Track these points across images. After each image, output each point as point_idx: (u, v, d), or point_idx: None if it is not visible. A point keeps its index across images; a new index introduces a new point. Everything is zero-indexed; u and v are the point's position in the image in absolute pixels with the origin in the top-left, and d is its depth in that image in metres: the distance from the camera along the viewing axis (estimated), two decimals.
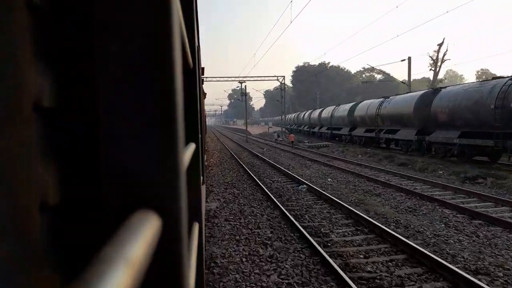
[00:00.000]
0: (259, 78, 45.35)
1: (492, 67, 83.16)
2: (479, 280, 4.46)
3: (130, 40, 0.41)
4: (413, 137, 18.35)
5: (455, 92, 15.80)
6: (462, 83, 18.18)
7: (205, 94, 11.27)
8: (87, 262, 0.27)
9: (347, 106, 29.27)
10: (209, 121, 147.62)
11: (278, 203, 8.74)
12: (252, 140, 38.50)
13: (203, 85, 8.09)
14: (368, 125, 24.50)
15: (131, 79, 0.41)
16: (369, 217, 7.41)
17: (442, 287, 4.50)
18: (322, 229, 6.94)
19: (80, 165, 0.45)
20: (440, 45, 41.55)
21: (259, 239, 6.16)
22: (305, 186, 11.07)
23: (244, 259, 5.41)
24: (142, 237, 0.33)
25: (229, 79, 44.92)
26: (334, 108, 32.36)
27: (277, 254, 5.60)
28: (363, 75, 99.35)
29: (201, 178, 1.78)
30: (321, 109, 37.93)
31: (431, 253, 5.25)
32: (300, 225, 7.06)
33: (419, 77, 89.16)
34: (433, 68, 43.05)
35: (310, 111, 43.63)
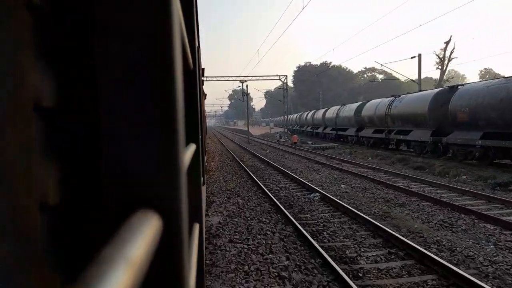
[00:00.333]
0: (260, 78, 44.18)
1: (494, 66, 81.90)
2: None
3: (130, 40, 0.41)
4: (428, 138, 17.13)
5: (476, 89, 14.58)
6: (483, 80, 17.01)
7: (205, 95, 10.77)
8: (87, 262, 0.27)
9: (354, 105, 28.04)
10: (209, 122, 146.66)
11: (290, 216, 7.54)
12: (253, 141, 37.25)
13: (203, 86, 7.80)
14: (376, 126, 23.29)
15: (131, 79, 0.41)
16: (402, 235, 6.20)
17: None
18: (347, 252, 5.73)
19: (80, 165, 0.45)
20: (447, 43, 40.32)
21: (273, 269, 4.92)
22: (317, 194, 9.86)
23: None
24: (142, 237, 0.33)
25: (230, 78, 43.79)
26: (339, 108, 31.12)
27: None
28: (365, 75, 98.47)
29: (202, 178, 1.77)
30: (325, 109, 36.67)
31: None
32: (320, 245, 5.88)
33: (422, 76, 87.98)
34: (439, 67, 41.77)
35: (313, 111, 42.38)
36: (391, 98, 21.82)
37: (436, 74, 30.32)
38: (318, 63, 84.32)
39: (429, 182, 11.58)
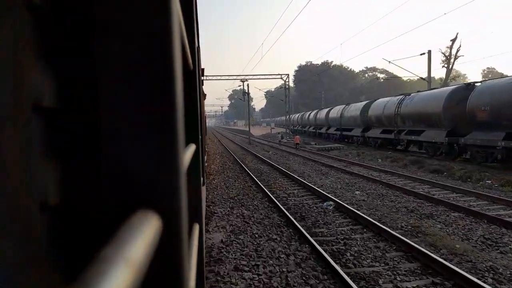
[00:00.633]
0: (262, 76, 43.03)
1: (497, 65, 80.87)
2: None
3: (130, 40, 0.41)
4: (443, 139, 16.01)
5: (499, 86, 13.45)
6: (505, 76, 15.96)
7: (205, 95, 10.40)
8: (87, 262, 0.27)
9: (359, 105, 26.91)
10: (209, 122, 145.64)
11: (304, 232, 6.45)
12: (255, 142, 36.10)
13: (203, 86, 7.57)
14: (385, 126, 22.18)
15: (131, 79, 0.41)
16: (445, 258, 5.10)
17: None
18: (380, 281, 4.63)
19: (80, 165, 0.45)
20: (454, 40, 39.16)
21: None
22: (331, 203, 8.76)
23: None
24: (142, 238, 0.33)
25: (231, 77, 42.65)
26: (344, 108, 29.98)
27: None
28: (366, 75, 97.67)
29: (201, 178, 1.77)
30: (328, 108, 35.49)
31: None
32: (345, 271, 4.80)
33: (423, 76, 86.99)
34: (445, 65, 40.66)
35: (315, 111, 41.20)
36: (401, 97, 20.71)
37: (438, 74, 29.37)
38: (319, 63, 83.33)
39: (452, 187, 10.49)
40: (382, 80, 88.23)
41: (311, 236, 6.30)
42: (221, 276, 4.76)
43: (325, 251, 5.64)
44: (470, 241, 6.11)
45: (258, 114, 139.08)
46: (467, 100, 14.67)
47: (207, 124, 24.05)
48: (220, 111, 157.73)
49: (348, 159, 18.63)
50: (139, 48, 0.41)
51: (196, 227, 1.27)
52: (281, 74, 42.91)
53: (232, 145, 33.00)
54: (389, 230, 6.38)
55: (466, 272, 4.59)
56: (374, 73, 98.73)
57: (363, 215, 7.41)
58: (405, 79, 76.18)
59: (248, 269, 5.00)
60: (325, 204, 8.82)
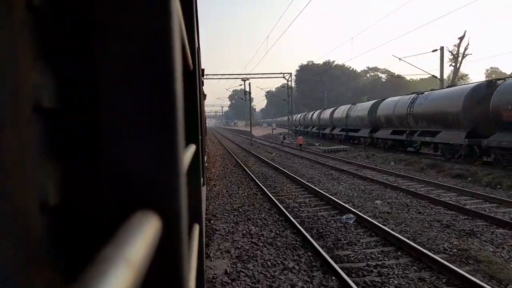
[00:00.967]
0: (264, 75, 41.79)
1: (500, 66, 79.74)
2: None
3: (130, 40, 0.41)
4: (463, 141, 14.81)
5: None
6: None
7: (205, 96, 9.95)
8: (87, 263, 0.27)
9: (367, 104, 25.72)
10: (209, 123, 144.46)
11: (327, 257, 5.25)
12: (256, 143, 34.89)
13: (203, 87, 7.10)
14: (395, 126, 20.98)
15: (131, 79, 0.41)
16: None
17: None
18: None
19: (80, 165, 0.45)
20: (461, 38, 37.92)
21: None
22: (351, 216, 7.55)
23: None
24: (142, 238, 0.33)
25: (232, 76, 41.35)
26: (349, 107, 28.76)
27: None
28: (368, 75, 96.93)
29: (201, 179, 1.77)
30: (333, 108, 34.22)
31: None
32: None
33: (425, 76, 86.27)
34: (453, 64, 39.39)
35: (319, 111, 39.96)
36: (413, 95, 19.51)
37: (444, 72, 28.08)
38: (321, 62, 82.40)
39: (483, 196, 9.35)
40: (384, 80, 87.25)
41: (336, 263, 5.12)
42: None
43: (357, 284, 4.44)
44: None
45: (259, 115, 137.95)
46: (490, 99, 13.49)
47: (207, 124, 22.85)
48: (220, 111, 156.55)
49: (357, 162, 17.47)
50: (139, 48, 0.41)
51: (196, 228, 1.27)
52: (283, 73, 41.73)
53: (233, 146, 31.78)
54: (431, 255, 5.18)
55: None
56: (376, 73, 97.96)
57: (393, 232, 6.20)
58: (408, 78, 74.89)
59: None
60: (344, 217, 7.61)
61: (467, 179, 12.10)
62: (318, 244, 5.89)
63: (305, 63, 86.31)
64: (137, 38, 0.41)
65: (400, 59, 26.91)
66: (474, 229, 6.71)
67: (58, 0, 0.41)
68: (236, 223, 7.25)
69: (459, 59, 38.56)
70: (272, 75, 41.93)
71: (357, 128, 27.02)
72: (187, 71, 1.33)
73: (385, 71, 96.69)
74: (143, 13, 0.41)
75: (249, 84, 33.98)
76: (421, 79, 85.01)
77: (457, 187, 10.58)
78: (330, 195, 9.68)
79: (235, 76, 40.94)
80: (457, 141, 15.24)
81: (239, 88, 78.03)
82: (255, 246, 5.88)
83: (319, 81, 75.51)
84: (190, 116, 1.40)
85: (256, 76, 40.82)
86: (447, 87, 18.98)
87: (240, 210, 8.41)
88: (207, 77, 40.32)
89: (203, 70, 9.48)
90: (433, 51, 24.47)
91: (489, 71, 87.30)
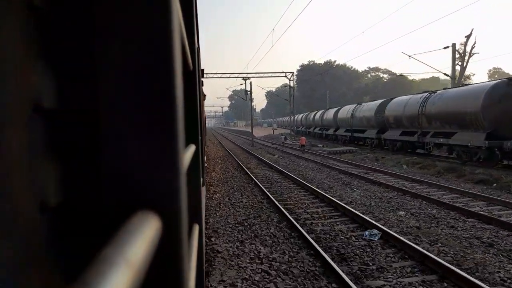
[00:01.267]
0: (265, 75, 40.65)
1: (503, 66, 78.76)
2: None
3: (130, 40, 0.41)
4: (482, 143, 13.73)
5: None
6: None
7: (204, 96, 9.74)
8: (87, 263, 0.27)
9: (373, 104, 24.59)
10: (209, 123, 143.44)
11: None
12: (258, 143, 33.80)
13: (203, 87, 7.09)
14: (405, 127, 19.88)
15: (131, 79, 0.41)
16: None
17: None
18: None
19: (80, 165, 0.45)
20: (468, 37, 36.85)
21: None
22: (376, 232, 6.46)
23: None
24: (142, 238, 0.33)
25: (232, 75, 40.20)
26: (355, 107, 27.63)
27: None
28: (369, 75, 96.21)
29: (201, 179, 1.77)
30: (337, 108, 33.05)
31: None
32: None
33: (427, 76, 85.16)
34: (459, 63, 38.28)
35: (322, 111, 38.78)
36: (425, 94, 18.40)
37: (442, 74, 27.17)
38: (322, 62, 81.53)
39: None
40: (386, 80, 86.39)
41: None
42: None
43: None
44: None
45: (259, 115, 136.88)
46: None
47: (206, 124, 21.79)
48: (220, 111, 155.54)
49: (366, 165, 16.36)
50: (139, 48, 0.41)
51: (196, 228, 1.27)
52: (285, 72, 40.60)
53: (234, 147, 30.71)
54: (482, 285, 4.09)
55: None
56: (377, 73, 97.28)
57: (432, 255, 5.11)
58: (410, 78, 73.97)
59: None
60: (367, 233, 6.52)
61: (492, 185, 11.00)
62: (343, 270, 4.82)
63: (306, 62, 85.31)
64: (137, 38, 0.41)
65: (410, 56, 25.89)
66: None
67: (58, 0, 0.41)
68: (241, 242, 6.09)
69: (466, 58, 37.46)
70: (274, 74, 40.80)
71: (363, 128, 25.91)
72: (187, 71, 1.33)
73: (386, 71, 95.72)
74: (143, 13, 0.41)
75: (250, 83, 32.85)
76: (422, 79, 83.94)
77: (484, 194, 9.50)
78: (345, 204, 8.60)
79: (236, 75, 39.79)
80: (475, 143, 14.13)
81: (239, 88, 77.05)
82: (267, 277, 4.75)
83: (320, 81, 74.57)
84: (190, 116, 1.41)
85: (257, 75, 39.70)
86: (463, 85, 17.89)
87: (245, 223, 7.25)
88: (207, 76, 39.26)
89: (202, 70, 9.34)
90: (445, 48, 23.46)
91: (491, 71, 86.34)
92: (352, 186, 11.39)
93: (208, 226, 6.79)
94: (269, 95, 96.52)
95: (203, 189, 2.92)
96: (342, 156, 21.33)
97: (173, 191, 0.43)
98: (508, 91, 13.30)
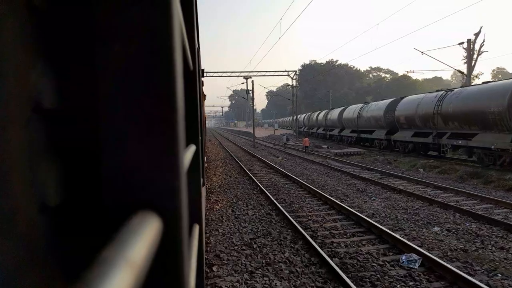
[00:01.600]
0: (267, 73, 39.39)
1: (506, 66, 77.58)
2: None
3: (130, 41, 0.40)
4: (508, 145, 12.54)
5: None
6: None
7: (204, 96, 9.24)
8: (88, 263, 0.27)
9: (382, 103, 23.37)
10: (209, 123, 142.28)
11: None
12: (260, 144, 32.60)
13: (203, 87, 6.40)
14: (418, 127, 18.69)
15: (131, 79, 0.41)
16: None
17: None
18: None
19: (80, 166, 0.44)
20: (477, 34, 35.55)
21: None
22: (415, 257, 5.25)
23: None
24: (143, 238, 0.33)
25: (233, 74, 38.93)
26: (361, 107, 26.43)
27: None
28: (370, 75, 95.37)
29: (202, 179, 1.74)
30: (342, 108, 31.84)
31: None
32: None
33: (429, 76, 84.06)
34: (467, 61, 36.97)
35: (325, 111, 37.56)
36: (441, 93, 17.20)
37: (447, 75, 26.07)
38: (324, 62, 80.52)
39: None
40: (388, 79, 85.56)
41: None
42: None
43: None
44: None
45: (259, 115, 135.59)
46: None
47: (207, 125, 20.60)
48: (220, 111, 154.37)
49: (378, 168, 15.20)
50: (140, 48, 0.40)
51: (196, 228, 1.25)
52: (288, 71, 39.38)
53: (235, 148, 29.50)
54: None
55: None
56: (379, 73, 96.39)
57: None
58: (413, 78, 73.01)
59: None
60: (404, 258, 5.31)
61: None
62: None
63: (307, 62, 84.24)
64: (138, 38, 0.40)
65: (422, 52, 24.69)
66: None
67: (58, 0, 0.41)
68: (251, 274, 4.83)
69: (474, 56, 36.15)
70: (276, 73, 39.52)
71: (370, 129, 24.70)
72: (187, 71, 1.30)
73: (388, 71, 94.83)
74: (144, 13, 0.40)
75: (252, 81, 31.58)
76: (424, 79, 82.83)
77: None
78: (367, 216, 7.42)
79: (237, 74, 38.46)
80: (500, 145, 12.92)
81: (239, 88, 76.04)
82: None
83: (322, 80, 73.51)
84: (190, 116, 1.38)
85: (259, 74, 38.43)
86: (483, 83, 16.67)
87: (254, 245, 5.98)
88: (208, 75, 38.07)
89: (203, 70, 9.10)
90: (460, 44, 22.25)
91: (495, 71, 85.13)
92: (369, 194, 10.20)
93: (208, 249, 5.59)
94: (270, 95, 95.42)
95: (203, 189, 2.88)
96: (350, 158, 20.17)
97: (173, 191, 0.43)
98: None
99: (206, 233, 6.01)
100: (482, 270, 4.91)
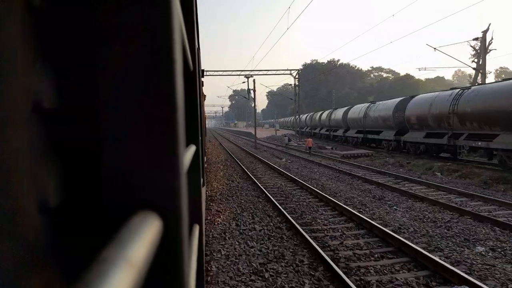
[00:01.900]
0: (268, 72, 38.35)
1: (509, 66, 76.45)
2: None
3: (130, 41, 0.40)
4: None
5: None
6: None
7: (204, 96, 9.07)
8: (88, 263, 0.27)
9: (391, 102, 22.31)
10: (209, 123, 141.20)
11: None
12: (261, 145, 31.54)
13: (203, 87, 6.19)
14: (431, 128, 17.63)
15: (131, 80, 0.40)
16: None
17: None
18: None
19: (80, 166, 0.43)
20: (485, 32, 34.51)
21: None
22: None
23: None
24: (143, 238, 0.33)
25: (234, 73, 37.90)
26: (368, 106, 25.37)
27: None
28: (372, 75, 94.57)
29: (202, 179, 1.72)
30: (347, 108, 30.77)
31: None
32: None
33: (430, 76, 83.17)
34: (475, 60, 35.96)
35: (329, 111, 36.50)
36: (457, 91, 16.15)
37: (448, 74, 25.13)
38: (325, 61, 79.60)
39: None
40: (391, 79, 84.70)
41: None
42: None
43: None
44: None
45: (260, 115, 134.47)
46: None
47: (207, 125, 19.56)
48: (220, 111, 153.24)
49: (391, 172, 14.15)
50: (139, 48, 0.40)
51: (196, 228, 1.25)
52: (290, 70, 38.36)
53: (236, 149, 28.42)
54: None
55: None
56: (380, 73, 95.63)
57: None
58: (416, 78, 72.17)
59: None
60: None
61: None
62: None
63: (308, 61, 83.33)
64: (138, 38, 0.40)
65: (435, 48, 23.68)
66: None
67: (58, 0, 0.40)
68: None
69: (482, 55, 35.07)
70: (278, 72, 38.46)
71: (378, 129, 23.62)
72: (187, 71, 1.29)
73: (389, 71, 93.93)
74: (144, 13, 0.40)
75: (254, 80, 30.53)
76: (427, 79, 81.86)
77: None
78: (395, 232, 6.36)
79: (238, 73, 37.42)
80: None
81: (240, 88, 75.09)
82: None
83: (323, 80, 72.55)
84: (190, 117, 1.37)
85: (260, 73, 37.38)
86: (504, 79, 15.63)
87: (265, 273, 4.85)
88: (208, 74, 37.02)
89: (203, 70, 9.08)
90: (474, 39, 21.27)
91: (498, 71, 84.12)
92: (388, 202, 9.14)
93: (210, 280, 4.50)
94: (271, 95, 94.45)
95: (203, 189, 2.73)
96: (357, 160, 19.10)
97: (174, 191, 0.43)
98: None
99: (206, 255, 4.95)
100: None
